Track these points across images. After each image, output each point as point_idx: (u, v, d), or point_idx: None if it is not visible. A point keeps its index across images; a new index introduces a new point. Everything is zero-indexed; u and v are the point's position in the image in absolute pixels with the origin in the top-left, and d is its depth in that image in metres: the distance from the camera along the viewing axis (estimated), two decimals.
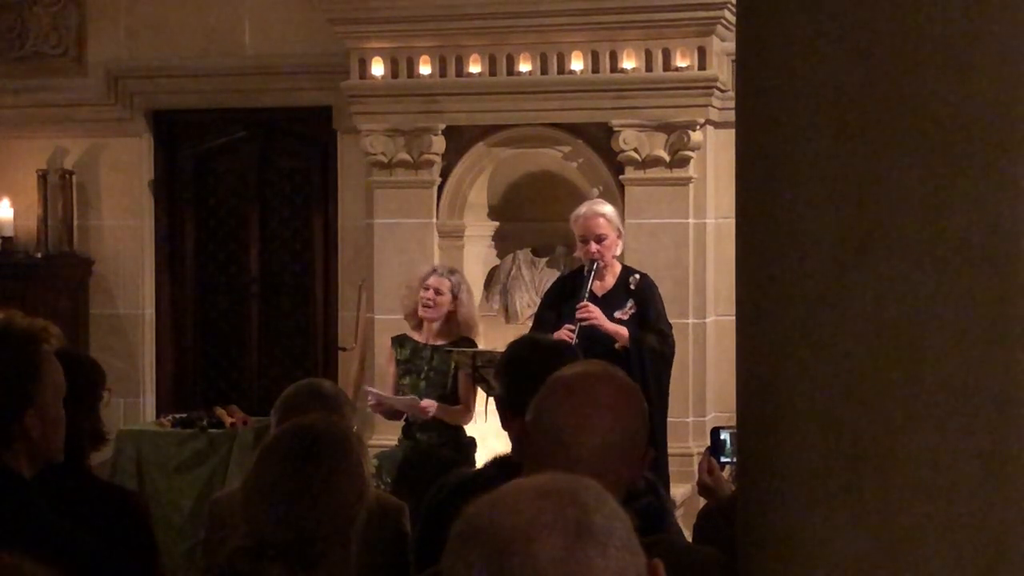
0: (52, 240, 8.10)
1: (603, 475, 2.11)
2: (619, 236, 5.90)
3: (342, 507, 2.44)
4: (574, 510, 1.39)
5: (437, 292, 6.22)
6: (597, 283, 5.86)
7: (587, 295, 5.73)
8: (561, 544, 1.36)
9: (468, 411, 6.23)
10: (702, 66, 6.89)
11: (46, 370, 2.55)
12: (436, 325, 6.30)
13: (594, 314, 5.67)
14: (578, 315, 5.66)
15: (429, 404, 6.11)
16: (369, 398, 6.31)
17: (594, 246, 5.81)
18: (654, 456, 2.25)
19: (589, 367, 2.41)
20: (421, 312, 6.27)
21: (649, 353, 5.71)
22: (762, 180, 2.27)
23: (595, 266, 5.79)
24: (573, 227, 5.97)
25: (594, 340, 5.65)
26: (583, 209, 5.94)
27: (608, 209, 5.90)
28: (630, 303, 5.82)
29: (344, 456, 2.49)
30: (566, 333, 5.62)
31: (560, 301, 5.85)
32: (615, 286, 5.88)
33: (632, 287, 5.85)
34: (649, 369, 5.70)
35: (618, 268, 5.94)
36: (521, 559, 1.36)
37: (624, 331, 5.71)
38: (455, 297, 6.24)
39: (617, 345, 5.69)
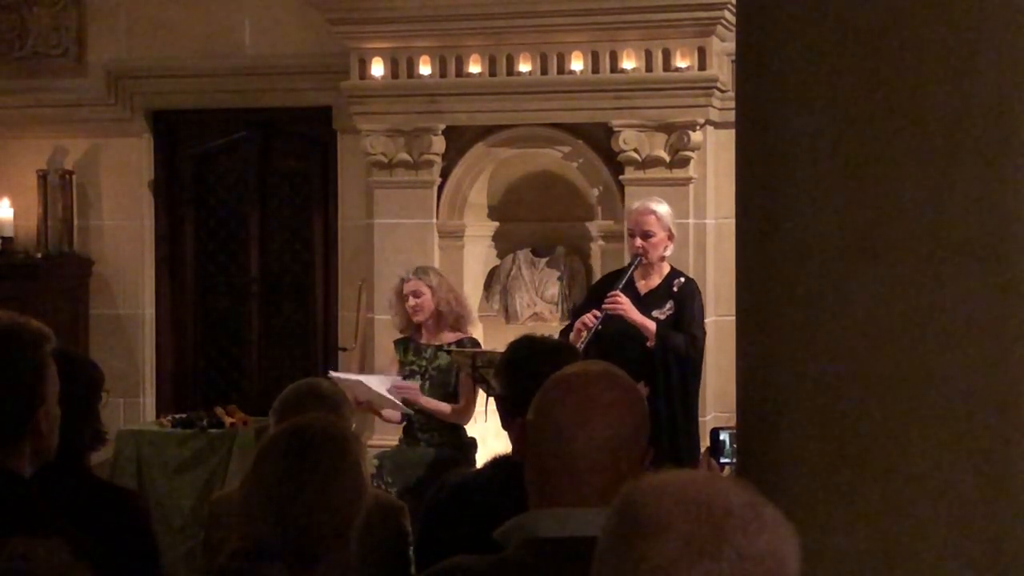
0: (52, 240, 8.10)
1: (603, 473, 2.11)
2: (670, 237, 5.90)
3: (340, 507, 2.43)
4: (712, 531, 1.42)
5: (415, 295, 6.30)
6: (642, 281, 5.88)
7: (621, 286, 5.74)
8: (672, 558, 1.40)
9: (466, 410, 6.23)
10: (702, 66, 6.88)
11: (50, 369, 2.56)
12: (431, 324, 6.34)
13: (622, 304, 5.68)
14: (606, 303, 5.67)
15: (408, 387, 6.12)
16: (357, 397, 6.25)
17: (639, 241, 5.83)
18: (653, 455, 2.24)
19: (589, 366, 2.41)
20: (413, 318, 6.33)
21: (673, 353, 5.70)
22: (762, 180, 2.27)
23: (637, 261, 5.82)
24: (626, 220, 6.03)
25: (627, 337, 5.67)
26: (637, 204, 5.99)
27: (662, 208, 5.89)
28: (670, 304, 5.82)
29: (342, 456, 2.48)
30: (590, 318, 5.65)
31: (602, 295, 5.85)
32: (659, 286, 5.88)
33: (675, 289, 5.85)
34: (673, 369, 5.70)
35: (666, 269, 5.94)
36: (639, 555, 1.41)
37: (651, 325, 5.70)
38: (434, 291, 6.30)
39: (649, 343, 5.70)
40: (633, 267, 5.83)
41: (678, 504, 1.42)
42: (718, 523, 1.40)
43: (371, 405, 6.27)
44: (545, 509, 2.14)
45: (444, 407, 6.19)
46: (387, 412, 6.38)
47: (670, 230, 5.90)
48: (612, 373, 2.29)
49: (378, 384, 6.20)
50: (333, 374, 6.46)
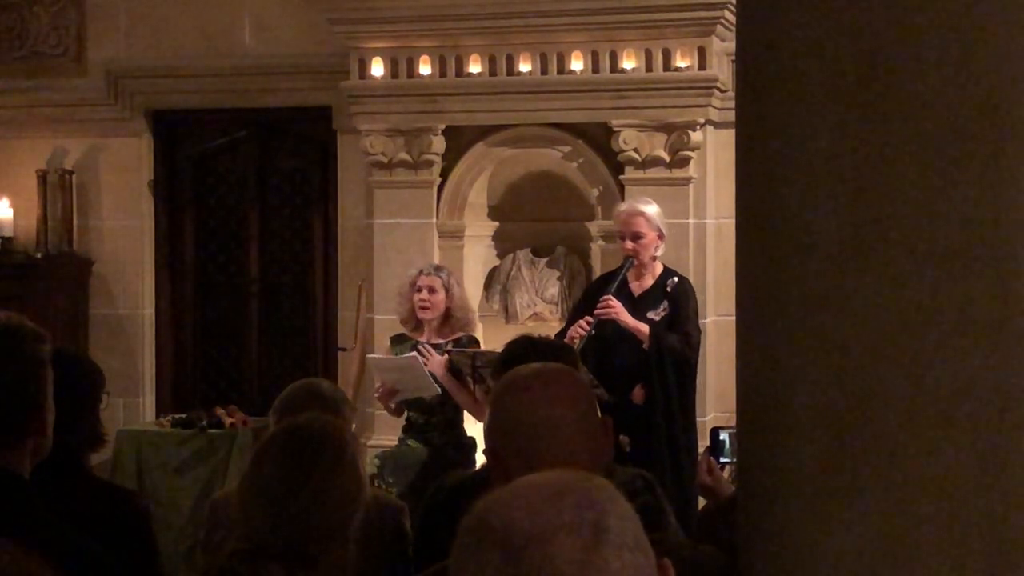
0: (52, 240, 8.10)
1: (578, 443, 2.16)
2: (660, 237, 5.90)
3: (339, 506, 2.43)
4: (591, 512, 1.39)
5: (431, 291, 6.17)
6: (635, 282, 5.88)
7: (614, 290, 5.73)
8: (579, 546, 1.36)
9: (477, 401, 6.18)
10: (702, 66, 6.88)
11: (47, 369, 2.56)
12: (435, 323, 6.29)
13: (615, 308, 5.67)
14: (598, 308, 5.67)
15: (433, 363, 6.04)
16: (377, 385, 6.26)
17: (629, 243, 5.83)
18: (615, 429, 2.34)
19: (525, 367, 2.45)
20: (419, 314, 6.23)
21: (669, 352, 5.70)
22: (762, 180, 2.27)
23: (628, 263, 5.81)
24: (614, 221, 6.02)
25: (622, 340, 5.67)
26: (624, 206, 5.99)
27: (650, 209, 5.89)
28: (664, 304, 5.83)
29: (339, 455, 2.48)
30: (583, 325, 5.65)
31: (594, 299, 5.84)
32: (652, 287, 5.89)
33: (669, 289, 5.85)
34: (669, 370, 5.70)
35: (659, 269, 5.94)
36: (539, 561, 1.35)
37: (644, 328, 5.70)
38: (448, 292, 6.22)
39: (644, 345, 5.70)
40: (624, 270, 5.82)
41: (552, 503, 1.39)
42: (588, 502, 1.39)
43: (391, 392, 6.16)
44: None
45: (468, 395, 6.07)
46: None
47: (660, 230, 5.89)
48: (545, 366, 2.44)
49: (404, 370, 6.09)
50: (371, 356, 6.42)
